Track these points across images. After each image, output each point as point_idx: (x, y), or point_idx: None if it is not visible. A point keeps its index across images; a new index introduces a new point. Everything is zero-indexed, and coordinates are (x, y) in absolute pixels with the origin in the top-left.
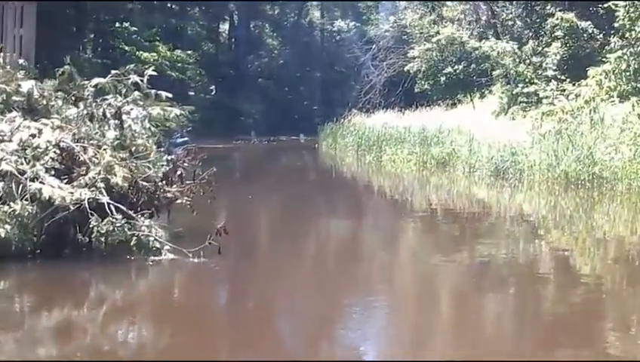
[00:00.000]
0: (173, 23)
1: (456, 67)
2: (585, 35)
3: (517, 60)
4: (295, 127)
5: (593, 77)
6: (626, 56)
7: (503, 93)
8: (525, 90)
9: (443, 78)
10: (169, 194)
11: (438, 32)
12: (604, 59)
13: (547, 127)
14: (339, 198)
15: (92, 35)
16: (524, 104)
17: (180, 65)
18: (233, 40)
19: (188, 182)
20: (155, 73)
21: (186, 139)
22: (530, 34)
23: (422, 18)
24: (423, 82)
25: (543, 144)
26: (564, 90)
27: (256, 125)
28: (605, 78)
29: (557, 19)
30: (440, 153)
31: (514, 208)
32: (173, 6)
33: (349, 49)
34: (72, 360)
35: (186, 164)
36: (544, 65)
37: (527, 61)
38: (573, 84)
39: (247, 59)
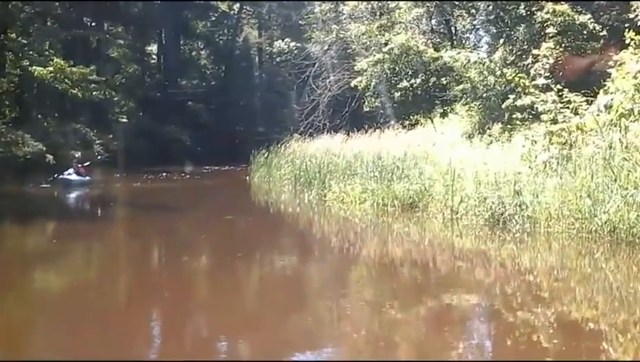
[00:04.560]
0: (90, 40)
1: (412, 81)
2: (585, 32)
3: (485, 72)
4: (230, 154)
5: (623, 78)
6: None
7: (470, 110)
8: (518, 102)
9: (397, 94)
10: None
11: (389, 41)
12: (611, 62)
13: (550, 151)
14: (265, 274)
15: None
16: (518, 121)
17: (77, 80)
18: (162, 61)
19: None
20: None
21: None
22: (502, 41)
23: (370, 25)
24: (373, 100)
25: (564, 179)
26: (570, 102)
27: (186, 154)
28: None
29: (547, 12)
30: (406, 191)
31: (526, 282)
32: (92, 23)
33: (290, 70)
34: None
35: None
36: (532, 71)
37: (499, 72)
38: (585, 94)
39: (176, 81)
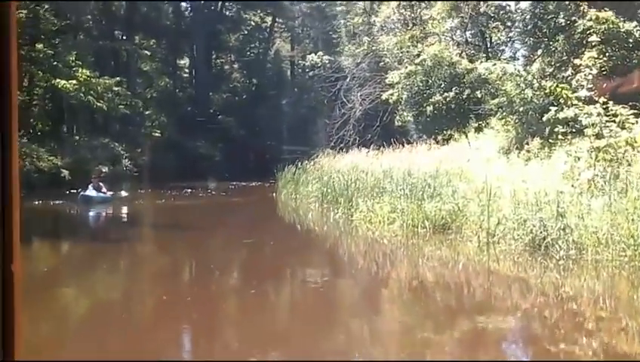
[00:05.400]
0: (121, 54)
1: (445, 94)
2: (630, 41)
3: (523, 85)
4: (259, 170)
5: None
6: None
7: (507, 124)
8: (561, 115)
9: (430, 108)
10: None
11: (421, 53)
12: None
13: (595, 168)
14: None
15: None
16: (560, 136)
17: (102, 92)
18: (194, 75)
19: None
20: None
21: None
22: (540, 52)
23: (402, 36)
24: (404, 113)
25: (613, 199)
26: (616, 115)
27: (215, 169)
28: None
29: (590, 19)
30: (437, 211)
31: (570, 312)
32: (123, 37)
33: (321, 84)
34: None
35: None
36: (574, 82)
37: (537, 85)
38: (633, 107)
39: (208, 95)
